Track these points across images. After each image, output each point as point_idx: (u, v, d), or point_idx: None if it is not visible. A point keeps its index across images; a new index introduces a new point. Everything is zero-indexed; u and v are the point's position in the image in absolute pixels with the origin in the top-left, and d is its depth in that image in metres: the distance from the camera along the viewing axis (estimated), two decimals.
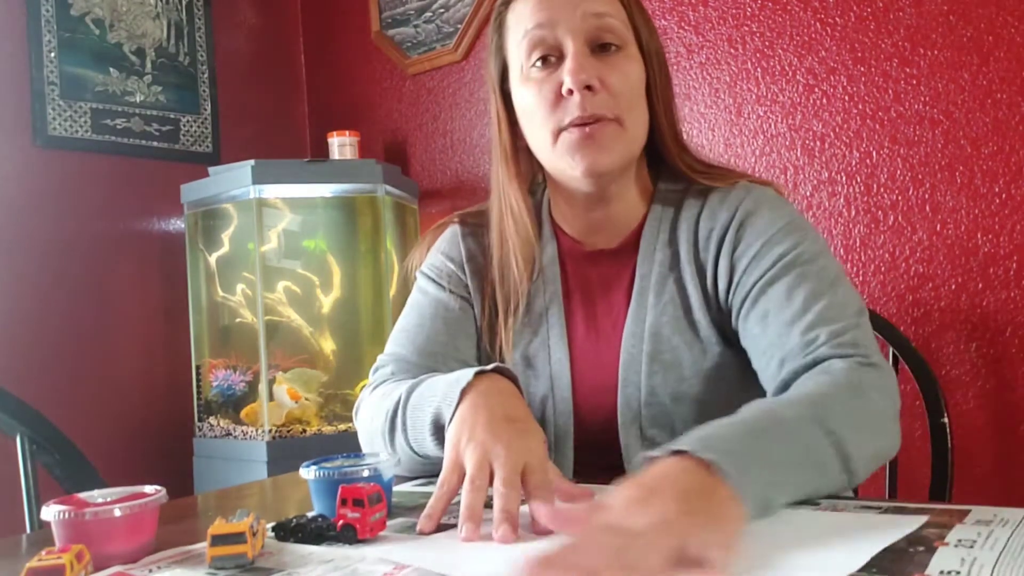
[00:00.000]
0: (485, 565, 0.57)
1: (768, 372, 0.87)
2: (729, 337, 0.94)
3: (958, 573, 0.48)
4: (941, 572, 0.48)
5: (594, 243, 1.02)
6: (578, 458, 0.97)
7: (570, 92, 0.89)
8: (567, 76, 0.89)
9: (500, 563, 0.57)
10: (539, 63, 0.93)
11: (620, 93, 0.91)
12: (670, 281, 0.96)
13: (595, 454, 0.96)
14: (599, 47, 0.92)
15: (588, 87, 0.89)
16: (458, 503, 0.68)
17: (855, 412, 0.75)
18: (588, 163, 0.91)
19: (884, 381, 0.81)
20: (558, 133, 0.92)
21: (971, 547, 0.52)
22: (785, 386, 0.84)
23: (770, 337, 0.87)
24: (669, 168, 1.01)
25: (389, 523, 0.68)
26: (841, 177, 1.67)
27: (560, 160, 0.93)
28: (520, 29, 0.94)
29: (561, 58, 0.92)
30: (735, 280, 0.92)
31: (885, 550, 0.53)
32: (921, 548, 0.53)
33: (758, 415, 0.71)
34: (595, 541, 0.52)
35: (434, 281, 1.06)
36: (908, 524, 0.58)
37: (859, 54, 1.64)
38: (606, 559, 0.50)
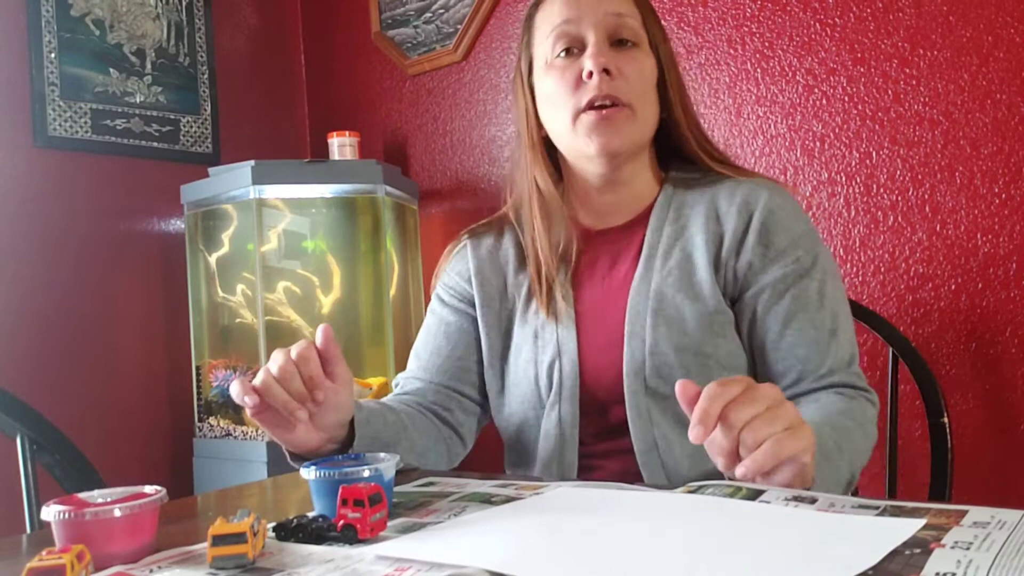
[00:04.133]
0: (489, 552, 0.57)
1: (786, 377, 1.00)
2: (730, 299, 1.03)
3: (954, 575, 0.48)
4: (937, 574, 0.49)
5: (605, 223, 1.11)
6: (585, 421, 1.03)
7: (590, 75, 1.00)
8: (588, 59, 1.01)
9: (503, 550, 0.57)
10: (563, 53, 1.04)
11: (634, 82, 1.02)
12: (676, 249, 1.04)
13: (602, 416, 1.03)
14: (617, 42, 1.03)
15: (606, 71, 1.00)
16: (461, 499, 0.68)
17: (862, 447, 0.93)
18: (603, 142, 1.01)
19: (875, 413, 0.99)
20: (577, 115, 1.02)
21: (967, 549, 0.52)
22: (795, 396, 0.98)
23: (790, 346, 0.99)
24: (683, 158, 1.10)
25: (389, 523, 0.68)
26: (841, 178, 1.67)
27: (578, 139, 1.03)
28: (548, 26, 1.05)
29: (583, 49, 1.03)
30: (761, 263, 1.01)
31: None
32: (917, 550, 0.53)
33: (824, 434, 0.84)
34: (745, 395, 0.70)
35: (440, 300, 1.17)
36: (906, 529, 0.58)
37: (859, 55, 1.64)
38: (754, 409, 0.69)
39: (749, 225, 1.02)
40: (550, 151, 1.12)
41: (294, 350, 0.86)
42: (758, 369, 1.02)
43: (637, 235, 1.08)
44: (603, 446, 1.04)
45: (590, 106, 1.01)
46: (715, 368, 0.99)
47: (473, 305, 1.14)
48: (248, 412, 0.86)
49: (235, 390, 0.85)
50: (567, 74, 1.02)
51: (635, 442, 0.99)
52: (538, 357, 1.06)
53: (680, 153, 1.10)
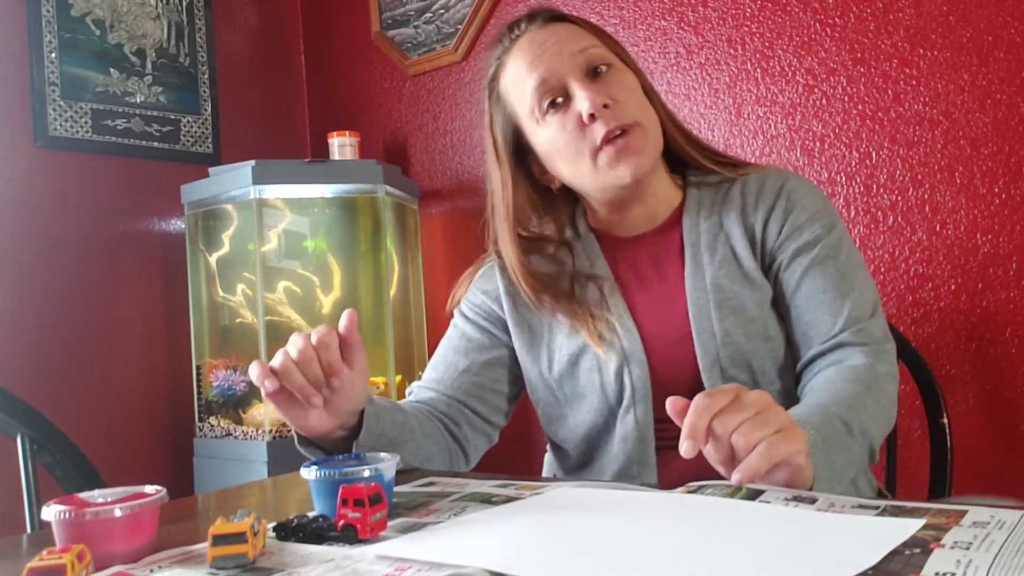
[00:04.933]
0: (489, 552, 0.57)
1: (803, 344, 1.03)
2: (769, 276, 1.07)
3: (954, 575, 0.48)
4: (936, 574, 0.49)
5: (636, 231, 1.13)
6: (661, 416, 1.02)
7: (591, 117, 1.01)
8: (583, 104, 1.01)
9: (503, 550, 0.57)
10: (550, 108, 1.05)
11: (629, 100, 1.04)
12: (718, 243, 1.07)
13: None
14: (593, 73, 1.04)
15: (604, 106, 1.01)
16: (461, 499, 0.68)
17: (877, 409, 0.93)
18: (633, 169, 1.02)
19: (891, 367, 1.00)
20: (596, 153, 1.03)
21: (967, 549, 0.52)
22: (809, 362, 1.01)
23: (803, 310, 1.03)
24: (689, 164, 1.13)
25: (389, 523, 0.68)
26: (841, 178, 1.67)
27: (605, 175, 1.04)
28: (524, 90, 1.06)
29: (567, 98, 1.04)
30: (783, 239, 1.05)
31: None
32: (917, 550, 0.53)
33: (830, 418, 0.86)
34: (733, 404, 0.71)
35: (463, 315, 1.18)
36: (905, 529, 0.58)
37: (859, 55, 1.64)
38: (742, 415, 0.70)
39: (773, 210, 1.06)
40: (534, 186, 1.14)
41: (315, 335, 0.87)
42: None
43: (673, 236, 1.10)
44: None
45: (606, 140, 1.02)
46: (779, 349, 1.03)
47: (499, 325, 1.14)
48: (264, 394, 0.87)
49: (254, 371, 0.86)
50: (567, 124, 1.03)
51: None
52: (602, 365, 1.05)
53: (674, 156, 1.12)
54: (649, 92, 1.09)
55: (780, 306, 1.05)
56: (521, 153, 1.12)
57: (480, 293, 1.17)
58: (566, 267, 1.13)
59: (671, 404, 0.74)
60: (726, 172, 1.11)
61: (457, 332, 1.17)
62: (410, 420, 1.02)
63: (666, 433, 1.02)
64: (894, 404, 0.98)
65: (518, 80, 1.07)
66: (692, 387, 1.01)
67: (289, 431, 2.04)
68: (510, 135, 1.11)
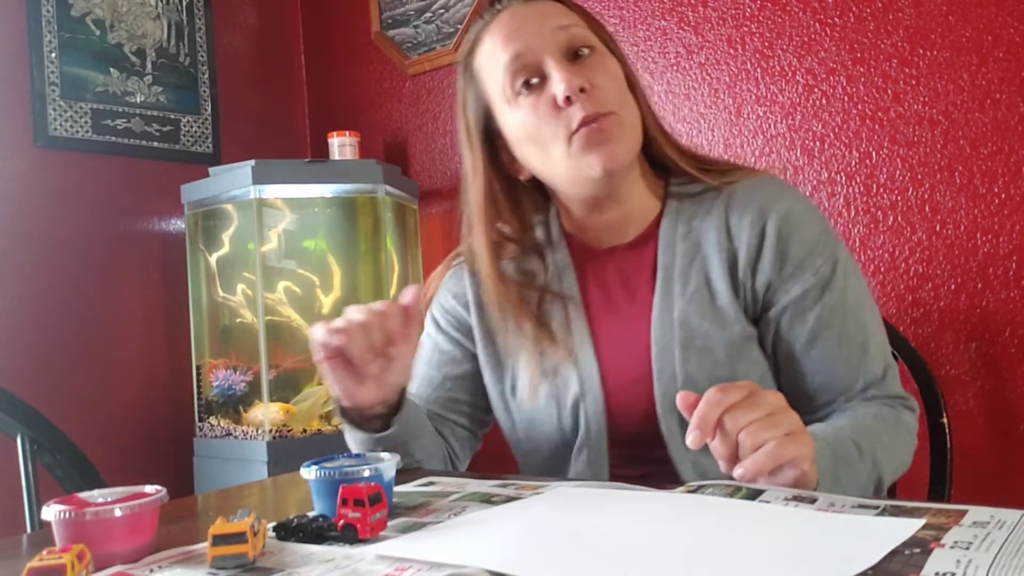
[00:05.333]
0: (489, 552, 0.58)
1: (818, 398, 0.97)
2: (752, 318, 0.98)
3: (954, 575, 0.48)
4: (936, 574, 0.49)
5: (609, 242, 1.04)
6: (616, 455, 0.99)
7: (567, 101, 0.93)
8: (560, 86, 0.93)
9: (503, 550, 0.57)
10: (523, 89, 0.96)
11: (609, 88, 0.95)
12: (693, 271, 0.98)
13: (634, 449, 0.98)
14: (574, 55, 0.96)
15: (581, 89, 0.93)
16: (461, 499, 0.68)
17: (893, 448, 0.91)
18: (606, 156, 0.93)
19: (914, 420, 0.97)
20: (570, 138, 0.94)
21: (967, 549, 0.52)
22: (829, 414, 0.96)
23: (819, 366, 0.96)
24: (666, 165, 1.04)
25: (389, 523, 0.68)
26: (840, 177, 1.67)
27: (578, 162, 0.95)
28: (497, 67, 0.97)
29: (543, 78, 0.95)
30: (782, 281, 0.96)
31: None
32: (917, 550, 0.53)
33: (843, 439, 0.84)
34: (746, 401, 0.70)
35: (436, 323, 1.13)
36: (905, 528, 0.58)
37: (858, 54, 1.64)
38: (754, 414, 0.69)
39: (763, 239, 0.96)
40: (502, 177, 1.05)
41: (378, 304, 0.87)
42: (785, 387, 0.98)
43: (646, 254, 1.02)
44: (640, 472, 0.99)
45: (582, 124, 0.93)
46: None
47: (468, 334, 1.10)
48: (319, 357, 0.87)
49: (319, 332, 0.86)
50: (540, 107, 0.95)
51: (683, 477, 0.95)
52: (560, 395, 1.01)
53: (653, 159, 1.04)
54: (632, 84, 1.00)
55: (777, 352, 0.98)
56: (491, 139, 1.03)
57: (451, 297, 1.12)
58: (536, 279, 1.06)
59: (681, 399, 0.73)
60: (709, 180, 1.01)
61: (430, 342, 1.13)
62: (423, 417, 1.03)
63: (621, 472, 0.99)
64: (910, 451, 0.94)
65: (492, 56, 0.98)
66: (649, 431, 0.96)
67: (289, 431, 2.04)
68: (481, 117, 1.02)
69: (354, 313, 0.87)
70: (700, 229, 1.00)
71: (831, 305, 0.95)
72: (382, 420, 0.96)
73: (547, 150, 0.96)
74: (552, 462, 1.04)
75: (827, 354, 0.95)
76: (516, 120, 0.98)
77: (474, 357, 1.10)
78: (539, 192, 1.07)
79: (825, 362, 0.95)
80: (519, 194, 1.06)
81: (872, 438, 0.87)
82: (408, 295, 0.89)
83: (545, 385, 1.02)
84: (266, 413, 2.06)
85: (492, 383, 1.08)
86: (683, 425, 0.93)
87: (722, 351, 0.95)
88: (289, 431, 2.04)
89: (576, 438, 1.00)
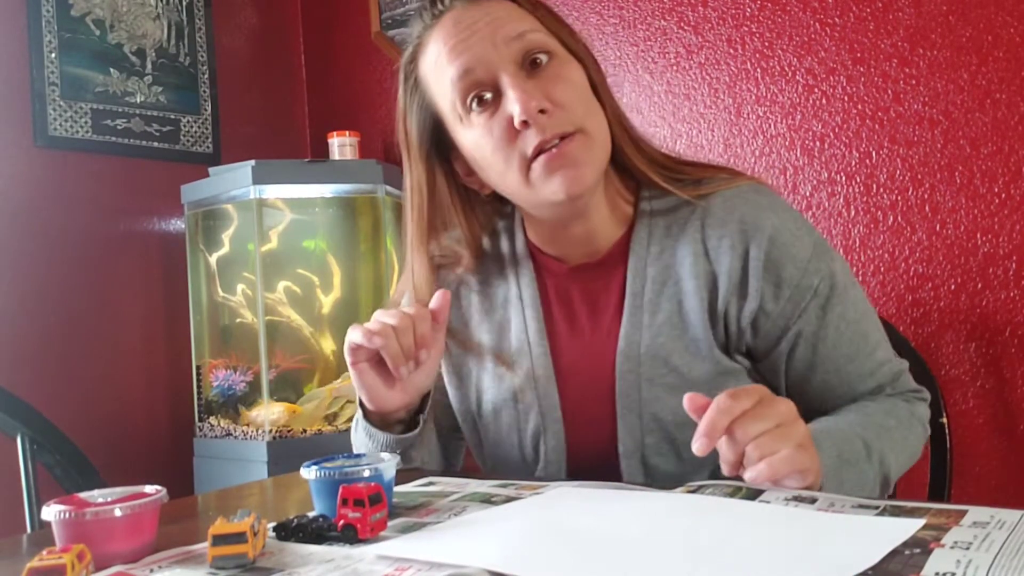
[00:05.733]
0: (489, 552, 0.58)
1: (826, 407, 0.93)
2: (728, 349, 0.92)
3: (954, 575, 0.48)
4: (936, 574, 0.49)
5: (576, 259, 0.97)
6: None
7: (524, 124, 0.84)
8: (515, 107, 0.84)
9: (503, 550, 0.57)
10: (476, 105, 0.87)
11: (571, 103, 0.86)
12: (664, 298, 0.92)
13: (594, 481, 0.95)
14: (530, 64, 0.87)
15: (541, 111, 0.84)
16: (461, 499, 0.68)
17: (904, 443, 0.89)
18: (568, 183, 0.85)
19: (925, 410, 0.96)
20: (527, 166, 0.86)
21: (967, 549, 0.52)
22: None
23: (829, 387, 0.93)
24: (635, 174, 0.96)
25: (389, 523, 0.68)
26: (840, 177, 1.67)
27: (539, 190, 0.87)
28: (444, 80, 0.89)
29: (497, 93, 0.87)
30: (779, 311, 0.90)
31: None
32: (917, 550, 0.53)
33: (851, 437, 0.83)
34: (756, 410, 0.68)
35: None
36: (905, 529, 0.58)
37: (858, 54, 1.64)
38: (764, 425, 0.68)
39: (747, 264, 0.89)
40: (456, 188, 0.98)
41: (410, 308, 0.87)
42: (795, 402, 0.93)
43: (615, 274, 0.95)
44: None
45: (539, 151, 0.85)
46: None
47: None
48: (352, 359, 0.86)
49: (355, 335, 0.85)
50: (495, 129, 0.86)
51: None
52: (520, 423, 0.97)
53: (622, 165, 0.95)
54: (598, 87, 0.91)
55: (787, 377, 0.94)
56: (443, 149, 0.95)
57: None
58: (496, 299, 1.00)
59: (689, 401, 0.71)
60: (684, 194, 0.92)
61: None
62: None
63: None
64: (921, 443, 0.93)
65: (438, 66, 0.89)
66: (609, 467, 0.92)
67: (289, 431, 2.04)
68: (428, 128, 0.94)
69: (386, 316, 0.86)
70: (674, 250, 0.92)
71: (835, 323, 0.90)
72: (404, 424, 0.95)
73: (503, 175, 0.89)
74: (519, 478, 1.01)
75: (838, 373, 0.92)
76: (470, 139, 0.90)
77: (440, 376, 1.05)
78: (501, 202, 1.01)
79: (837, 381, 0.92)
80: (474, 205, 1.00)
81: (883, 435, 0.86)
82: (438, 299, 0.89)
83: (507, 411, 0.98)
84: (266, 413, 2.06)
85: (458, 401, 1.04)
86: (645, 467, 0.91)
87: (692, 388, 0.83)
88: (289, 431, 2.04)
89: (537, 467, 0.98)
